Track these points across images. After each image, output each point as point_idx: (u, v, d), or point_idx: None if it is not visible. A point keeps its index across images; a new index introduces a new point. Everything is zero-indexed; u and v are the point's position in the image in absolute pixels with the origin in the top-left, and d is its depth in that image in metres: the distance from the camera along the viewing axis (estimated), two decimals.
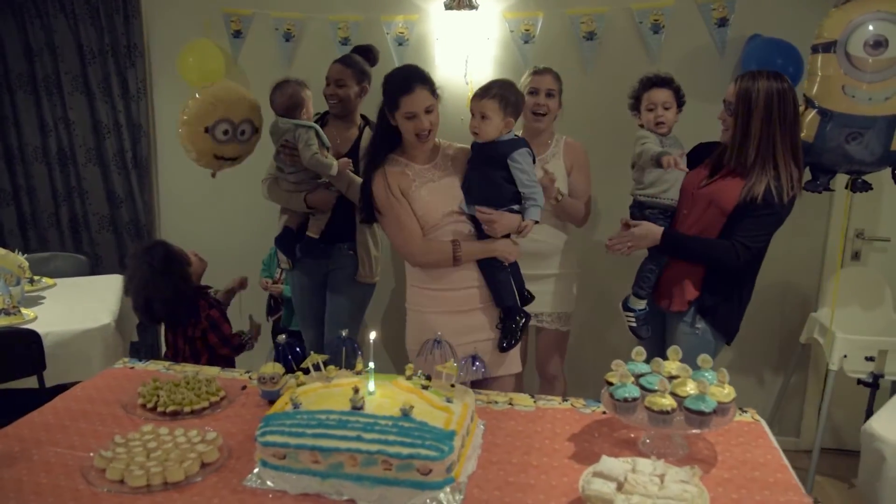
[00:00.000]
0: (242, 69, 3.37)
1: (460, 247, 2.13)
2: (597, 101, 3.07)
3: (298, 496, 1.46)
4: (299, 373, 1.73)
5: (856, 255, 3.05)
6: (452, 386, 1.64)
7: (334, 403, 1.58)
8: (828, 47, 2.21)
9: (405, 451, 1.42)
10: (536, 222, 2.19)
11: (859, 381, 2.64)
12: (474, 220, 2.16)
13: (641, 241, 2.29)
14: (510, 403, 1.92)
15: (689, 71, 2.98)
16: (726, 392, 1.59)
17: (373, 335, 1.65)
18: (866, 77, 2.16)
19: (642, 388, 1.64)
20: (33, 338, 2.33)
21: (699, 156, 2.34)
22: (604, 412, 1.86)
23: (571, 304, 2.67)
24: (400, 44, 3.16)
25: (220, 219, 3.59)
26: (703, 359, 1.73)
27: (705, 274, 2.23)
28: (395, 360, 3.45)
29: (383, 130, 2.18)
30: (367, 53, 2.79)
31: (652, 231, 2.26)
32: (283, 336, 1.79)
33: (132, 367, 2.13)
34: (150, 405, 1.83)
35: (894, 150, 2.25)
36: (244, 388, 1.94)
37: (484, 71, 3.15)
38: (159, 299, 2.44)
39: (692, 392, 1.59)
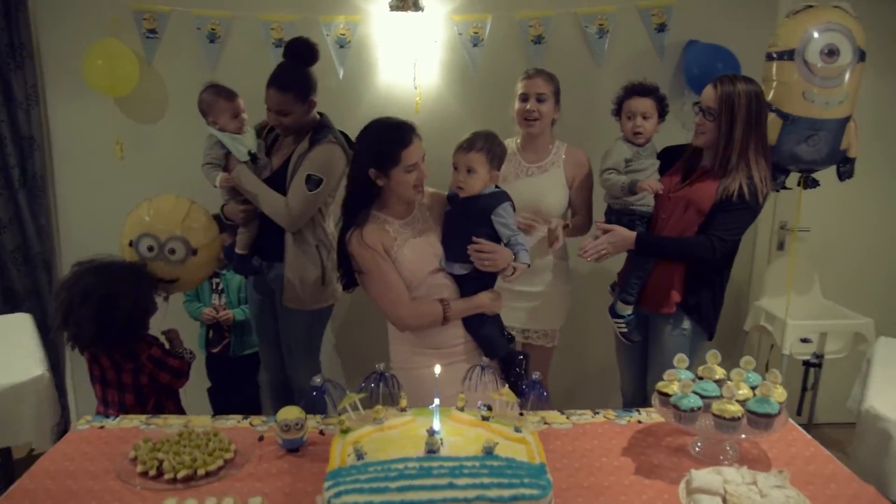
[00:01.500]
0: (158, 73, 3.01)
1: (450, 307, 2.00)
2: None
3: None
4: (343, 417, 1.55)
5: (780, 246, 3.31)
6: (521, 414, 1.55)
7: (402, 449, 1.44)
8: (784, 55, 2.36)
9: (507, 493, 1.30)
10: (528, 265, 2.09)
11: (804, 363, 2.88)
12: (453, 276, 2.04)
13: (616, 246, 2.31)
14: (545, 423, 1.85)
15: (631, 74, 3.02)
16: (779, 392, 1.64)
17: (437, 369, 1.51)
18: (822, 83, 2.33)
19: (699, 395, 1.65)
20: None
21: (667, 159, 2.40)
22: (639, 421, 1.87)
23: (560, 321, 2.64)
24: (341, 46, 2.96)
25: None
26: (679, 358, 1.78)
27: (686, 275, 2.30)
28: (347, 371, 3.30)
29: (362, 186, 1.98)
30: (304, 52, 2.44)
31: (625, 236, 2.29)
32: (319, 377, 1.59)
33: (101, 426, 1.81)
34: (152, 472, 1.56)
35: (842, 149, 2.46)
36: (261, 438, 1.71)
37: (431, 75, 3.04)
38: (118, 317, 2.08)
39: (749, 396, 1.62)
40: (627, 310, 2.38)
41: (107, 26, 2.90)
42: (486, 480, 1.33)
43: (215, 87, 2.41)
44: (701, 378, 1.73)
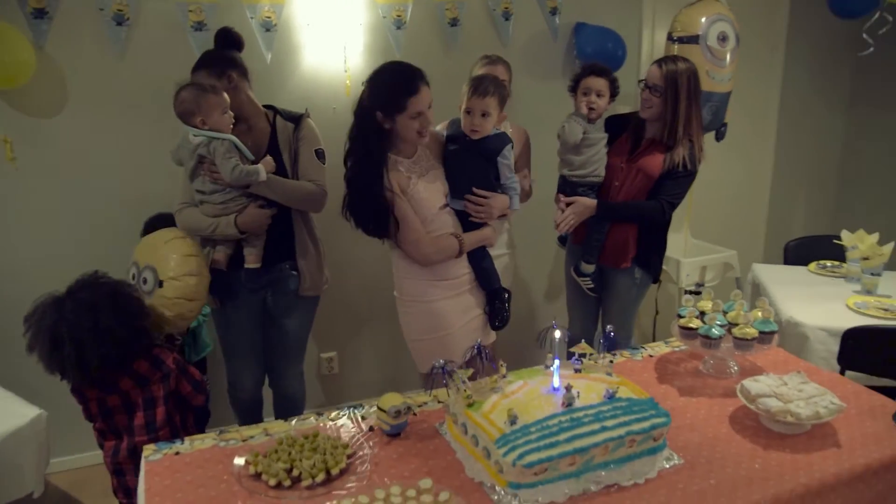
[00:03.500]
0: (52, 60, 2.62)
1: (463, 240, 2.22)
2: (460, 82, 3.23)
3: (565, 501, 1.48)
4: (467, 392, 1.66)
5: None
6: (611, 362, 1.80)
7: (540, 408, 1.61)
8: (691, 40, 2.84)
9: (646, 424, 1.56)
10: (518, 210, 2.38)
11: (688, 292, 3.50)
12: (456, 211, 2.26)
13: (581, 215, 2.64)
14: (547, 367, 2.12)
15: (531, 53, 3.40)
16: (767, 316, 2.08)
17: (558, 333, 1.69)
18: (718, 63, 2.85)
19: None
20: None
21: (612, 128, 2.74)
22: (650, 355, 2.22)
23: (510, 281, 2.90)
24: (267, 29, 2.84)
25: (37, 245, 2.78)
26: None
27: (638, 233, 2.70)
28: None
29: (370, 128, 2.09)
30: (230, 41, 2.41)
31: (587, 204, 2.62)
32: (442, 360, 1.67)
33: (176, 453, 1.69)
34: (286, 482, 1.53)
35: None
36: (372, 429, 1.75)
37: (356, 58, 3.05)
38: (108, 342, 1.88)
39: (751, 319, 2.04)
40: (591, 268, 2.72)
41: None
42: (625, 419, 1.57)
43: (197, 85, 2.21)
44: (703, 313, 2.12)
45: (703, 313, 2.10)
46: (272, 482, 1.53)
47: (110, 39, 2.65)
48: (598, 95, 2.61)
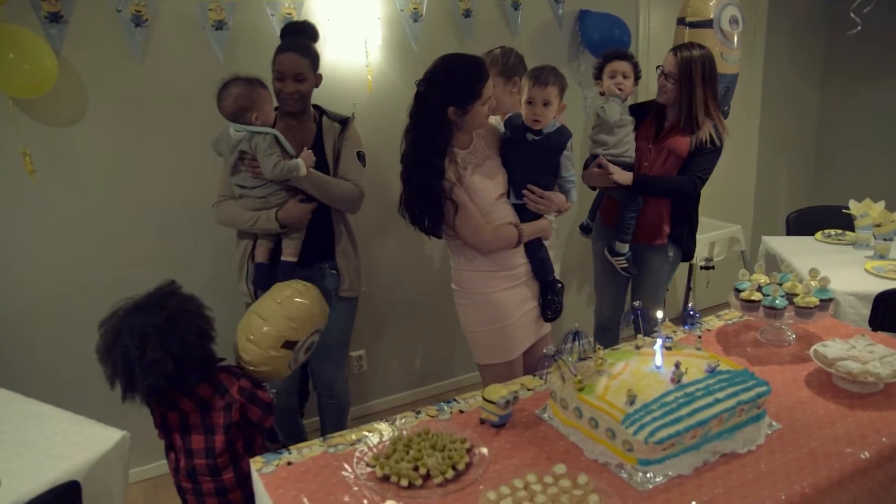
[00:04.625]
0: (71, 66, 2.49)
1: (522, 229, 2.25)
2: None
3: (692, 473, 1.54)
4: (578, 377, 1.69)
5: None
6: (700, 338, 1.87)
7: (650, 386, 1.66)
8: (705, 24, 2.93)
9: (751, 393, 1.63)
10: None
11: (701, 267, 3.64)
12: (514, 204, 2.28)
13: (619, 179, 2.69)
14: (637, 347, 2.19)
15: (538, 42, 3.45)
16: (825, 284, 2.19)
17: (660, 314, 1.75)
18: (730, 45, 2.96)
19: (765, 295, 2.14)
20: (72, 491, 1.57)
21: (635, 115, 2.82)
22: (707, 329, 2.31)
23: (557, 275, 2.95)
24: None
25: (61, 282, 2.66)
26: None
27: (672, 210, 2.80)
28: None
29: (444, 128, 2.09)
30: (310, 32, 2.43)
31: (626, 175, 2.70)
32: (550, 347, 1.70)
33: (289, 464, 1.66)
34: (417, 482, 1.53)
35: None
36: (483, 421, 1.76)
37: (374, 53, 3.02)
38: (155, 374, 1.76)
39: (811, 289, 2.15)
40: (625, 247, 2.80)
41: None
42: (731, 390, 1.64)
43: (245, 80, 2.16)
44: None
45: (759, 286, 2.20)
46: (404, 482, 1.53)
47: (129, 42, 2.55)
48: (625, 77, 2.69)
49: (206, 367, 1.88)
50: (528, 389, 1.95)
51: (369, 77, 3.00)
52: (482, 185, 2.18)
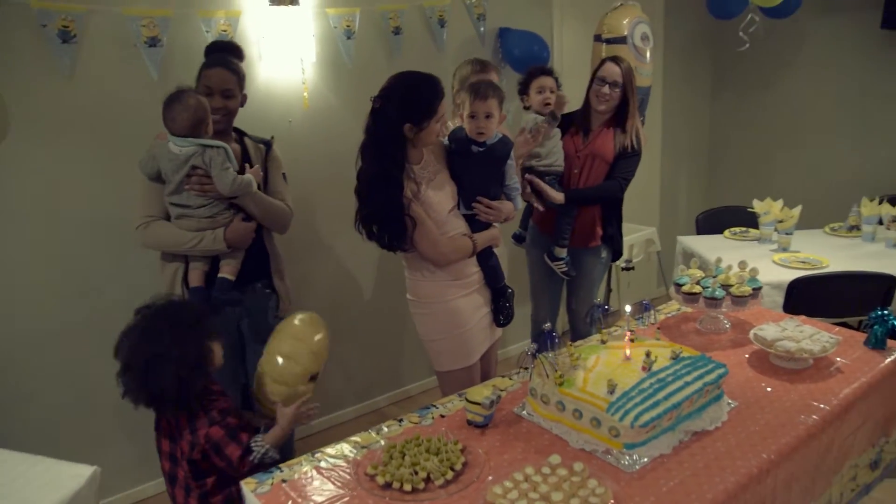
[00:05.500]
0: None
1: (476, 239, 2.33)
2: None
3: (672, 452, 1.67)
4: (558, 372, 1.79)
5: None
6: (659, 329, 2.01)
7: (625, 374, 1.78)
8: (619, 40, 3.16)
9: (713, 375, 1.80)
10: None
11: (623, 268, 3.88)
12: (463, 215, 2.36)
13: (553, 199, 2.84)
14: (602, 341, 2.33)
15: (463, 57, 3.52)
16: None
17: (628, 308, 1.87)
18: (644, 60, 3.20)
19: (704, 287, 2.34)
20: None
21: (561, 126, 2.98)
22: (654, 323, 2.48)
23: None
24: None
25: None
26: None
27: (602, 214, 2.98)
28: None
29: (400, 144, 2.14)
30: (237, 51, 2.42)
31: (558, 195, 2.83)
32: (548, 325, 1.79)
33: (283, 481, 1.64)
34: (420, 486, 1.56)
35: None
36: (470, 423, 1.81)
37: (308, 70, 3.02)
38: (165, 384, 1.71)
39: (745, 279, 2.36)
40: (564, 252, 2.95)
41: None
42: (696, 373, 1.80)
43: (194, 91, 2.11)
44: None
45: (697, 280, 2.40)
46: (407, 487, 1.56)
47: (56, 58, 2.41)
48: (551, 91, 2.82)
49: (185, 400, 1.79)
50: (501, 390, 2.03)
51: (305, 94, 2.99)
52: (436, 199, 2.23)
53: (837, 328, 2.28)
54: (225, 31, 2.72)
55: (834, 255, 3.13)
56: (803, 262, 3.05)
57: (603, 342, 2.00)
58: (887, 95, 4.09)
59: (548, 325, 1.94)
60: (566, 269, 2.98)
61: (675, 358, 1.85)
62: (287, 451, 2.64)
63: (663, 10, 4.44)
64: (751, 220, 3.53)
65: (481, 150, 2.31)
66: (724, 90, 4.95)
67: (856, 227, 3.46)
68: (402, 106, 2.09)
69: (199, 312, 1.84)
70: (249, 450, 1.80)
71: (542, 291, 3.20)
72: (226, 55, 2.35)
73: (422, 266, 2.31)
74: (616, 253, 3.09)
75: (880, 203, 3.28)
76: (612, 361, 1.86)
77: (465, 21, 3.54)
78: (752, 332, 2.16)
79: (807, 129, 4.50)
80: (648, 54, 3.26)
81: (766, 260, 3.13)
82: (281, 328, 2.10)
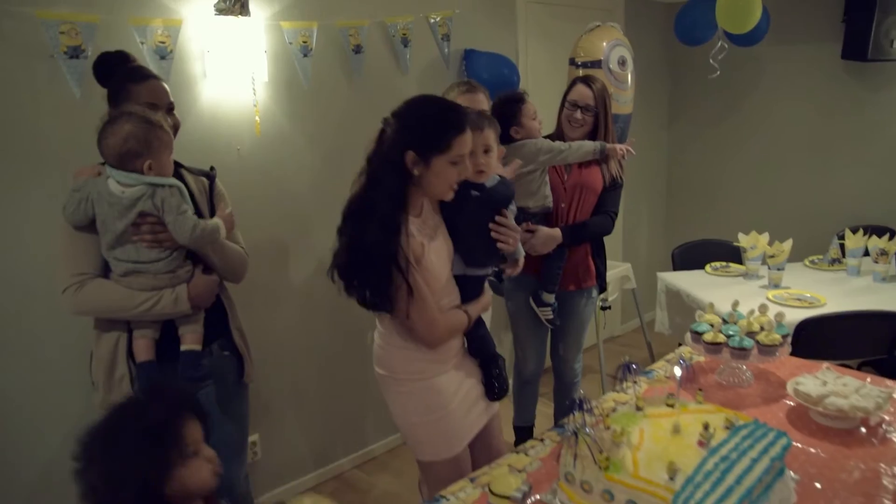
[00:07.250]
0: None
1: (468, 312, 1.92)
2: (363, 109, 2.96)
3: None
4: (603, 455, 1.46)
5: None
6: (700, 390, 1.72)
7: (682, 456, 1.47)
8: (594, 64, 2.93)
9: (779, 447, 1.52)
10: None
11: (601, 308, 3.62)
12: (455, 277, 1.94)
13: (547, 245, 2.54)
14: (615, 402, 2.03)
15: (427, 79, 3.26)
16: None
17: (678, 370, 1.57)
18: (623, 86, 2.99)
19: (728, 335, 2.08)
20: None
21: None
22: (667, 376, 2.20)
23: None
24: (162, 57, 2.31)
25: None
26: None
27: (592, 249, 2.71)
28: None
29: (401, 178, 1.69)
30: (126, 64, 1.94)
31: (553, 235, 2.54)
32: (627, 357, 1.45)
33: None
34: None
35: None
36: None
37: (260, 91, 2.62)
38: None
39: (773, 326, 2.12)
40: (552, 297, 2.64)
41: None
42: (759, 447, 1.51)
43: (142, 117, 1.68)
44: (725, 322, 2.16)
45: (711, 325, 2.15)
46: None
47: None
48: (533, 119, 2.52)
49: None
50: (519, 470, 1.68)
51: (257, 118, 2.59)
52: (437, 264, 1.81)
53: (870, 377, 2.08)
54: (163, 42, 2.31)
55: (825, 290, 2.98)
56: (799, 300, 2.87)
57: (639, 409, 1.69)
58: (848, 125, 4.06)
59: (626, 357, 1.61)
60: (552, 317, 2.65)
61: (731, 427, 1.56)
62: None
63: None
64: (730, 254, 3.36)
65: (480, 194, 1.92)
66: (680, 122, 4.86)
67: (837, 261, 3.34)
68: (406, 128, 1.67)
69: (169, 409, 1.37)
70: None
71: (527, 340, 2.86)
72: (137, 67, 1.93)
73: (400, 334, 1.86)
74: (601, 289, 2.82)
75: (865, 234, 3.16)
76: (660, 435, 1.55)
77: (430, 41, 3.25)
78: (790, 386, 1.91)
79: (768, 159, 4.44)
80: (630, 79, 3.05)
81: (760, 298, 2.93)
82: None
